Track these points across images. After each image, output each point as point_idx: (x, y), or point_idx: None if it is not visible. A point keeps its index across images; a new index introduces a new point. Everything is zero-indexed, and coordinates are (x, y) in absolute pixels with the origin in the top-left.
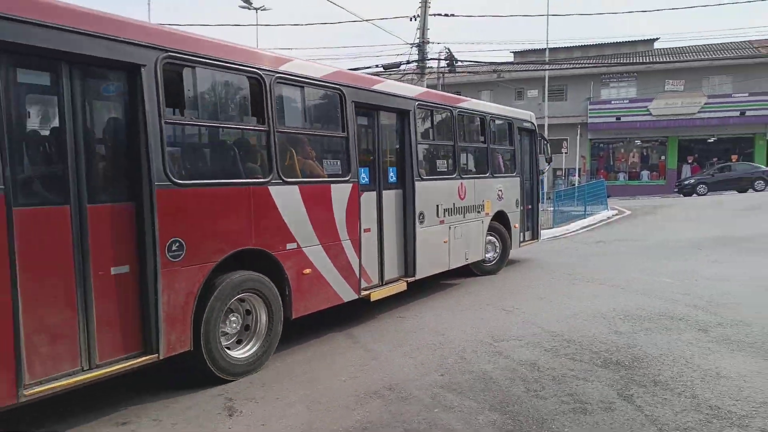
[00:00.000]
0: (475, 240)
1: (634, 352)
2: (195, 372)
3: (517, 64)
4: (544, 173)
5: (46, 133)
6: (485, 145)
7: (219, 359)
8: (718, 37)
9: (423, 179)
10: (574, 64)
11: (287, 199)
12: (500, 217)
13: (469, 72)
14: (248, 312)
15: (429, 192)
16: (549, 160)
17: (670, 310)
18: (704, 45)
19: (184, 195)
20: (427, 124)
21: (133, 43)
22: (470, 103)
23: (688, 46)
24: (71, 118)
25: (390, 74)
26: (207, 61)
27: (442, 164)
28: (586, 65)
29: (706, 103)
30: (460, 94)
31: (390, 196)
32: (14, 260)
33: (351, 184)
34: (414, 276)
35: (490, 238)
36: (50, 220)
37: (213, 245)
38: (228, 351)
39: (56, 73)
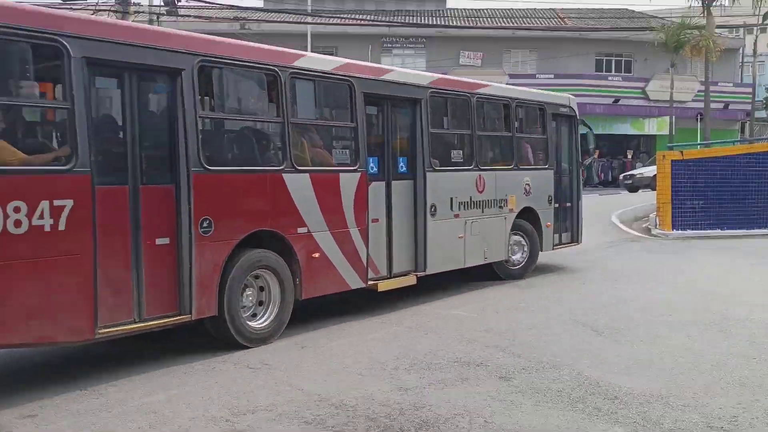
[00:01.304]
0: (495, 238)
1: (423, 415)
2: (219, 337)
3: (270, 12)
4: (586, 165)
5: (115, 127)
6: (509, 134)
7: (239, 326)
8: (521, 1)
9: (435, 170)
10: (346, 19)
11: (299, 185)
12: (528, 215)
13: (202, 18)
14: (262, 288)
15: (442, 184)
16: (592, 151)
17: (466, 353)
18: (505, 10)
19: (213, 179)
20: (442, 112)
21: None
22: (492, 89)
23: (486, 10)
24: (129, 114)
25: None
26: (231, 61)
27: (457, 155)
28: (363, 23)
29: (507, 83)
30: None
31: (400, 187)
32: (96, 227)
33: (359, 174)
34: (425, 270)
35: (517, 237)
36: (116, 197)
37: (236, 225)
38: (245, 321)
39: (120, 79)
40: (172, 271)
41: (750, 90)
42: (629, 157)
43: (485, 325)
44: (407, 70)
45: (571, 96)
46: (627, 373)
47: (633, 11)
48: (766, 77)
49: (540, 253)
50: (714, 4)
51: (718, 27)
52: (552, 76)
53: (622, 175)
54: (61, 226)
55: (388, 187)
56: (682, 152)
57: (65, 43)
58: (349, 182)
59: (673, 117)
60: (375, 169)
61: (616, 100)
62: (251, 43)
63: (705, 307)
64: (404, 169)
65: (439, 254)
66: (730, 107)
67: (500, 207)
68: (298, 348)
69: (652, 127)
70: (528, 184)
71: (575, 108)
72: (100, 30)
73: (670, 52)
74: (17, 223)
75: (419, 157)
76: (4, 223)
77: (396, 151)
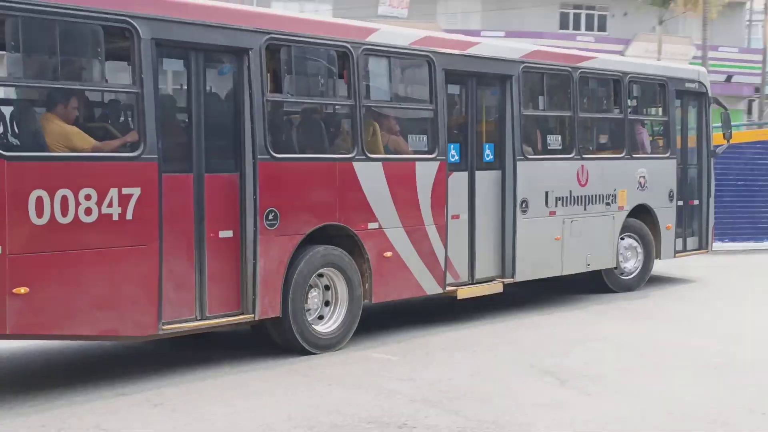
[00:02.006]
0: (601, 241)
1: None
2: (281, 341)
3: None
4: (719, 155)
5: (181, 111)
6: (620, 116)
7: (304, 329)
8: None
9: (528, 159)
10: None
11: (370, 176)
12: (643, 214)
13: None
14: (328, 288)
15: (536, 175)
16: (728, 136)
17: (385, 410)
18: None
19: (280, 168)
20: (537, 91)
21: (245, 30)
22: (599, 62)
23: None
24: (195, 98)
25: None
26: (301, 39)
27: (554, 140)
28: None
29: None
30: None
31: (485, 178)
32: (162, 216)
33: (438, 162)
34: (513, 277)
35: (630, 241)
36: (181, 185)
37: (302, 218)
38: (309, 324)
39: (187, 60)
40: (235, 266)
41: (760, 58)
42: None
43: (412, 370)
44: (496, 42)
45: (701, 69)
46: None
47: None
48: None
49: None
50: None
51: None
52: (502, 33)
53: None
54: (129, 215)
55: (472, 178)
56: None
57: (135, 24)
58: (426, 172)
59: None
60: (456, 157)
61: None
62: (322, 19)
63: (697, 346)
64: (491, 157)
65: (531, 258)
66: (734, 80)
67: (607, 204)
68: (150, 405)
69: None
70: (643, 177)
71: (707, 84)
72: (169, 9)
73: (658, 5)
74: (87, 211)
75: (509, 143)
76: (76, 210)
77: (481, 137)
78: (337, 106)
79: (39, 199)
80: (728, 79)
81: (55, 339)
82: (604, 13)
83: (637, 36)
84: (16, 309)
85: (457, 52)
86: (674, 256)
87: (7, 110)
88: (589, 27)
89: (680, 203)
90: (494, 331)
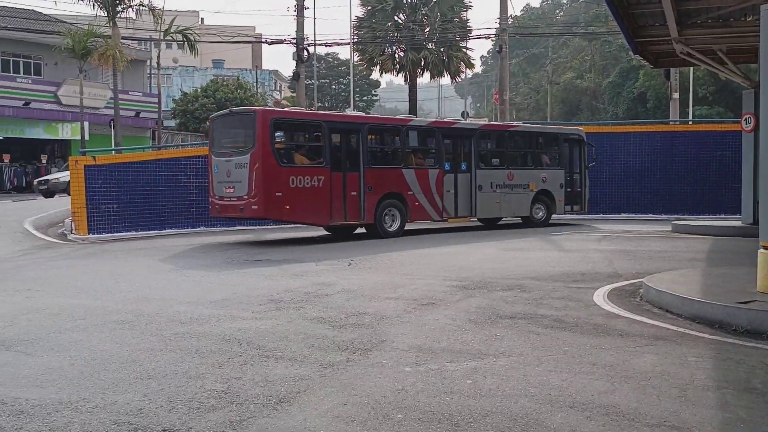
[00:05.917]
0: (520, 204)
1: None
2: (375, 232)
3: None
4: (589, 167)
5: (338, 150)
6: (531, 149)
7: (383, 228)
8: None
9: (481, 168)
10: None
11: (409, 174)
12: (546, 193)
13: None
14: (393, 217)
15: (485, 175)
16: (592, 159)
17: None
18: None
19: (374, 171)
20: (487, 141)
21: (360, 123)
22: (519, 127)
23: None
24: (344, 148)
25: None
26: (385, 124)
27: (495, 161)
28: None
29: None
30: None
31: (462, 177)
32: (331, 186)
33: (438, 170)
34: (475, 216)
35: (539, 205)
36: (338, 176)
37: (381, 189)
38: (387, 228)
39: (339, 133)
40: (357, 204)
41: (156, 100)
42: (44, 162)
43: None
44: (467, 120)
45: (580, 128)
46: (36, 385)
47: (40, 13)
48: (174, 89)
49: (554, 215)
50: (119, 16)
51: (124, 38)
52: None
53: (37, 180)
54: (320, 185)
55: (455, 177)
56: (95, 157)
57: (323, 123)
58: (434, 174)
59: (86, 123)
60: (448, 167)
61: (27, 103)
62: (390, 116)
63: (116, 308)
64: (464, 168)
65: (484, 210)
66: (141, 115)
67: (524, 188)
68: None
69: (66, 132)
70: (544, 177)
71: (583, 135)
72: (332, 117)
73: (79, 58)
74: (307, 182)
75: (473, 162)
76: (303, 183)
77: (460, 159)
78: (396, 148)
79: (292, 179)
80: (137, 114)
81: (294, 223)
82: (39, 61)
83: (66, 80)
84: (285, 212)
85: (448, 126)
86: (564, 213)
87: (284, 153)
88: (27, 72)
89: (569, 190)
90: None
